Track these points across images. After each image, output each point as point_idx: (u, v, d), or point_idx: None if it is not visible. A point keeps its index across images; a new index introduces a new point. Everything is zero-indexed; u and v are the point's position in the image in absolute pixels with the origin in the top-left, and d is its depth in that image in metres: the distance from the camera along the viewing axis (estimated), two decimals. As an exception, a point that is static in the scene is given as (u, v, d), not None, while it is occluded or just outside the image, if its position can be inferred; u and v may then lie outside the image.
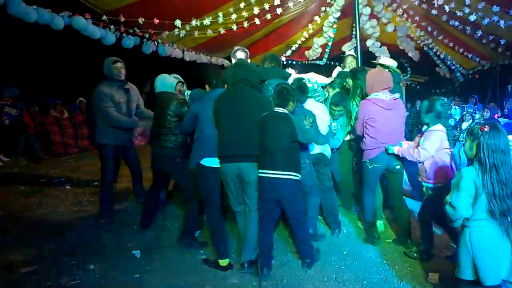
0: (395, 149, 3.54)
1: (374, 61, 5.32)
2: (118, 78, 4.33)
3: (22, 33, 7.58)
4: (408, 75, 11.91)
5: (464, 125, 7.31)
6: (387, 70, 4.34)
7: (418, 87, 13.51)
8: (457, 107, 8.83)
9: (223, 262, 3.41)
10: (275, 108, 3.30)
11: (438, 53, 9.92)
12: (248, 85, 3.32)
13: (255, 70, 3.58)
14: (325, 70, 7.88)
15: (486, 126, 2.24)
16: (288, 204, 3.27)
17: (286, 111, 3.28)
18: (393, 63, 4.86)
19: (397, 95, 3.85)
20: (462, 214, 2.26)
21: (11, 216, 4.75)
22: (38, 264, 3.47)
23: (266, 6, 6.15)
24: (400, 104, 3.82)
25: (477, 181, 2.22)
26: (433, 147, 3.30)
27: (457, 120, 8.25)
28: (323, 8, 7.75)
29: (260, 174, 3.23)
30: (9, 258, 3.57)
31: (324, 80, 4.76)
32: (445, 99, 3.34)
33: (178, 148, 3.86)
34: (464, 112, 8.50)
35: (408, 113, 10.77)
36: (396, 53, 8.56)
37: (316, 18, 8.17)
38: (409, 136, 4.98)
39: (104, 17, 5.20)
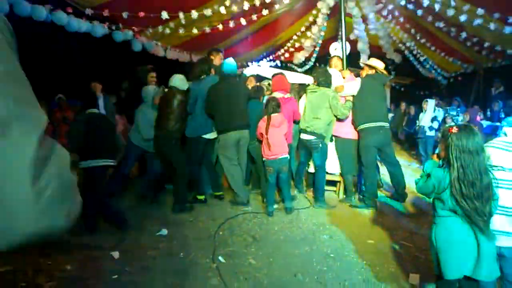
0: None
1: (362, 62, 5.36)
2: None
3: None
4: (392, 76, 12.00)
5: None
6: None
7: (402, 88, 13.64)
8: (440, 109, 8.89)
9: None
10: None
11: (418, 56, 10.02)
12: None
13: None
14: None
15: (455, 128, 2.30)
16: None
17: None
18: (381, 65, 5.02)
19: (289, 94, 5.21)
20: (420, 192, 2.51)
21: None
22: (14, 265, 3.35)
23: (257, 2, 6.12)
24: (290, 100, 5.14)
25: (442, 182, 2.30)
26: None
27: (440, 122, 8.33)
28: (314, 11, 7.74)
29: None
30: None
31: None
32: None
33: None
34: (446, 115, 8.61)
35: (393, 114, 10.92)
36: (379, 54, 8.61)
37: (306, 17, 8.15)
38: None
39: (88, 11, 5.07)
